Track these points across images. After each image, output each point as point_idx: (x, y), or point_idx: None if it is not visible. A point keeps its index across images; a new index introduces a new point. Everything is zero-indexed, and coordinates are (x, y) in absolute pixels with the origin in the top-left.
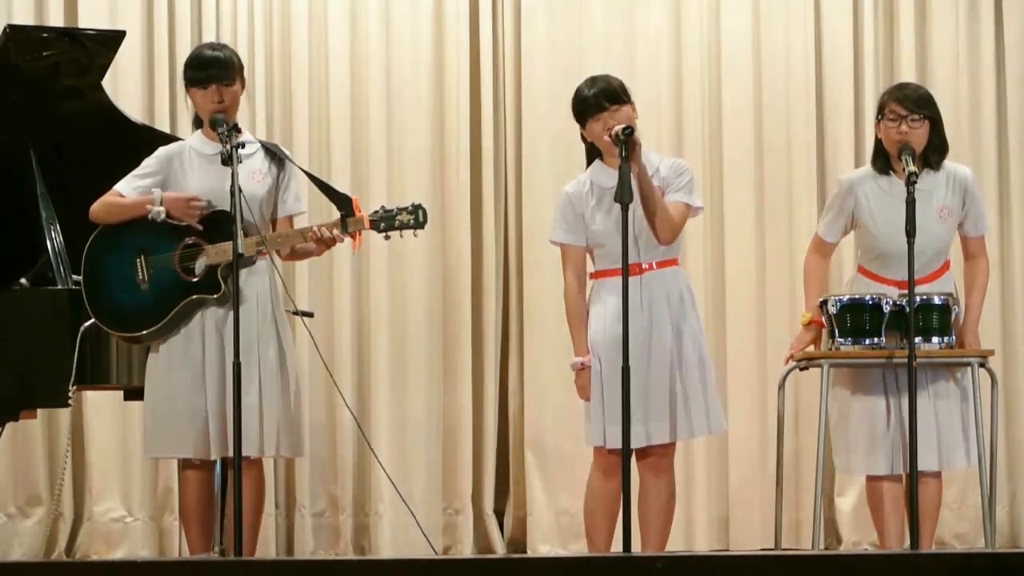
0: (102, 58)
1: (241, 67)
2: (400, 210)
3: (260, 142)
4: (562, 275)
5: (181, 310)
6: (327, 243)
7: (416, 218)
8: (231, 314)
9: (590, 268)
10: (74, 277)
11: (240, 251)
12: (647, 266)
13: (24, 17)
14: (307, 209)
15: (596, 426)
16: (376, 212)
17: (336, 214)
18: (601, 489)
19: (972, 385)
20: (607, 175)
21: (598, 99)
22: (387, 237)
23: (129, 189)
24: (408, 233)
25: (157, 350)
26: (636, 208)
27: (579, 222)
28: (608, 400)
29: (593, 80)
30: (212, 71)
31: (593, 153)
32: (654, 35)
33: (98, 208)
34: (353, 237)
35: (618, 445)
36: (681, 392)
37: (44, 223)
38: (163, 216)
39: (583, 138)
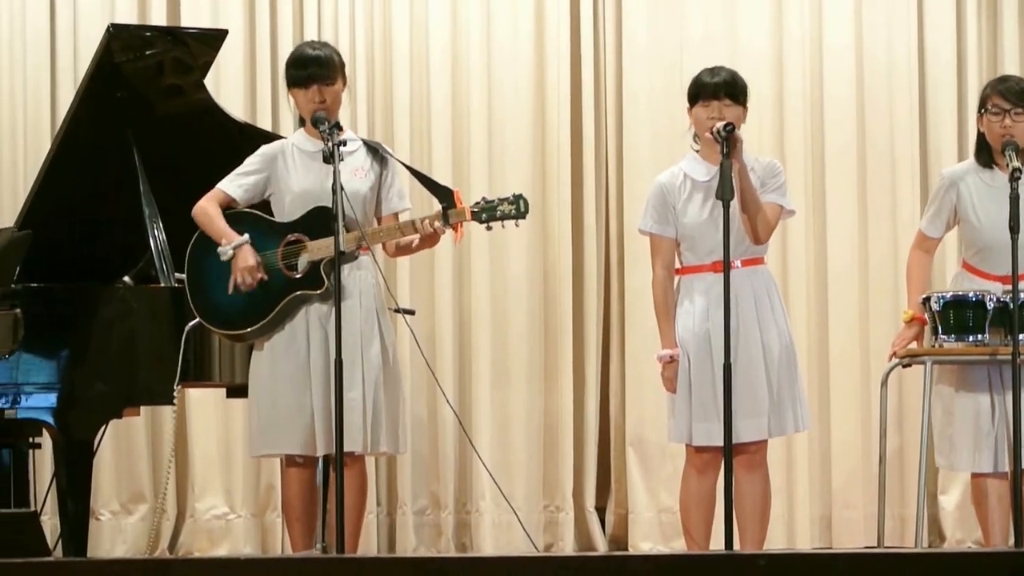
0: (204, 56)
1: (342, 65)
2: (501, 200)
3: (362, 140)
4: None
5: (284, 307)
6: (430, 240)
7: (517, 208)
8: (335, 310)
9: (676, 263)
10: (176, 275)
11: (341, 248)
12: (733, 264)
13: (127, 16)
14: (412, 206)
15: (681, 423)
16: (477, 203)
17: (437, 208)
18: (695, 487)
19: None
20: (702, 168)
21: (718, 88)
22: (489, 228)
23: (233, 187)
24: (510, 224)
25: (261, 348)
26: (721, 204)
27: (670, 213)
28: (696, 398)
29: (720, 69)
30: (313, 70)
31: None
32: (755, 30)
33: (198, 211)
34: (455, 229)
35: (704, 442)
36: (769, 389)
37: (147, 221)
38: (227, 257)
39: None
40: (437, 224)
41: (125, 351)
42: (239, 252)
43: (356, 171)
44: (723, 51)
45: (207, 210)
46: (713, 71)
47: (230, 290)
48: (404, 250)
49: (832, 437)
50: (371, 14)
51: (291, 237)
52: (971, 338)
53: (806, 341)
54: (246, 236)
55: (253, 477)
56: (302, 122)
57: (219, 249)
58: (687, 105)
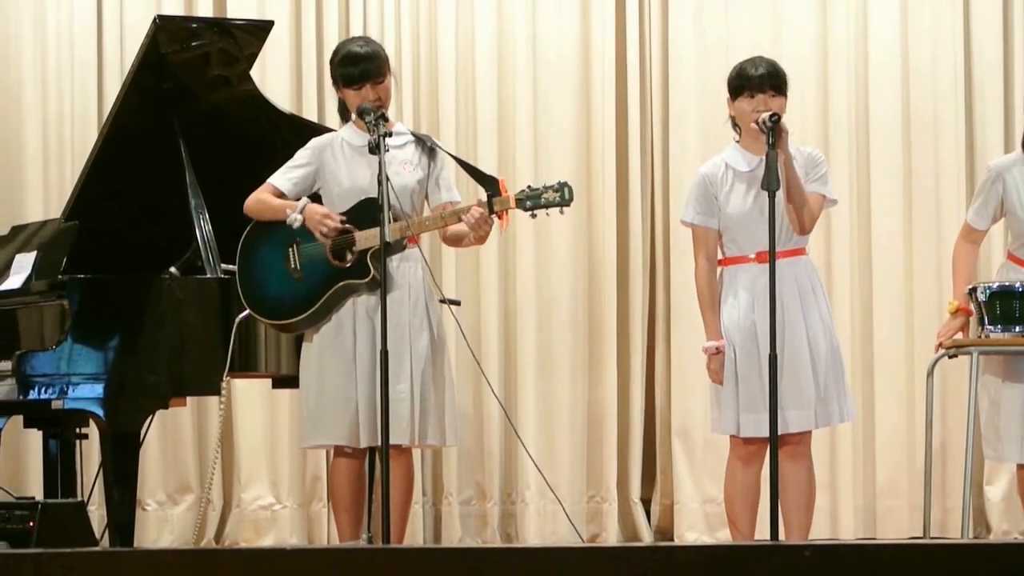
0: (250, 48)
1: (387, 58)
2: (546, 188)
3: (412, 132)
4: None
5: (332, 297)
6: (480, 237)
7: (562, 195)
8: (381, 301)
9: (718, 254)
10: (223, 266)
11: (387, 239)
12: (777, 254)
13: (174, 8)
14: (461, 199)
15: (729, 415)
16: (522, 191)
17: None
18: (740, 477)
19: None
20: (743, 159)
21: (762, 81)
22: (533, 216)
23: (283, 181)
24: (555, 214)
25: (310, 339)
26: (764, 195)
27: (713, 204)
28: (744, 390)
29: (761, 61)
30: (364, 67)
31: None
32: (801, 23)
33: (250, 203)
34: (500, 217)
35: (753, 433)
36: (814, 380)
37: (193, 212)
38: (299, 224)
39: (732, 118)
40: (481, 211)
41: (172, 342)
42: (307, 211)
43: (404, 164)
44: (768, 37)
45: (258, 196)
46: (755, 63)
47: (293, 270)
48: (454, 240)
49: (876, 427)
50: (417, 3)
51: None
52: (1017, 328)
53: (850, 331)
54: (305, 199)
55: (299, 467)
56: (345, 116)
57: (287, 220)
58: (727, 96)
